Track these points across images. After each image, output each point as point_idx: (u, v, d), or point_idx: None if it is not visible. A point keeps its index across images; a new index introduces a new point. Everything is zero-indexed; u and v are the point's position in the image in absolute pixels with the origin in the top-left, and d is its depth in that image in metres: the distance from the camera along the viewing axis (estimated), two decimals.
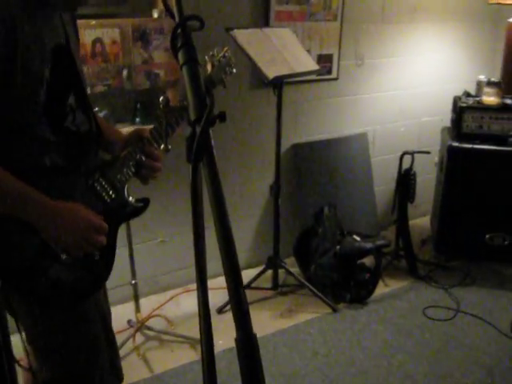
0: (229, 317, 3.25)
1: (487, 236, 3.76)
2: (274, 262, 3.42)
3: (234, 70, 1.92)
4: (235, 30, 2.91)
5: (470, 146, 3.65)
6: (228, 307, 3.29)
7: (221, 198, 0.81)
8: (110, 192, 1.54)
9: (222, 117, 0.85)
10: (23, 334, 1.49)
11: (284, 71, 2.97)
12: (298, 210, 3.80)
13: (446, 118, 4.20)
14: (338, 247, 3.44)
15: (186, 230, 3.46)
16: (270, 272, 3.49)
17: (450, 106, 4.06)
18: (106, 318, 1.71)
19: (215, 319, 3.24)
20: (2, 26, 1.26)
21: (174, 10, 0.97)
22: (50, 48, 1.38)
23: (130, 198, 1.62)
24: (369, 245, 3.47)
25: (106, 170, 1.54)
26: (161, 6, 2.90)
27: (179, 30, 0.94)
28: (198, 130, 0.83)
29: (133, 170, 1.57)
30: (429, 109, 4.28)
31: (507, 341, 3.08)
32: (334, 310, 3.30)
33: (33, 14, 1.33)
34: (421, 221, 4.44)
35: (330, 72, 3.71)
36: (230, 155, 3.50)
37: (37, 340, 1.52)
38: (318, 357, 2.94)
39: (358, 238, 3.56)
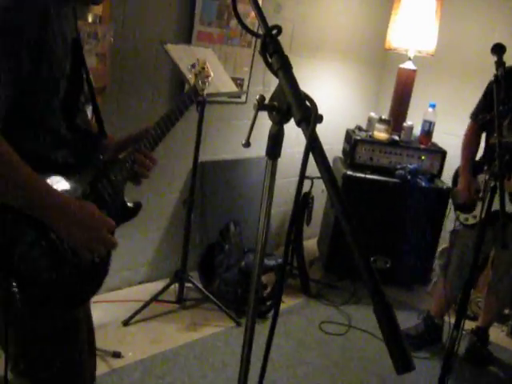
0: (136, 329, 3.24)
1: (371, 259, 4.11)
2: (180, 276, 3.45)
3: (210, 80, 2.00)
4: (168, 44, 2.98)
5: (362, 175, 3.99)
6: (134, 319, 3.27)
7: (338, 189, 0.90)
8: (111, 193, 1.54)
9: (321, 118, 0.96)
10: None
11: (211, 89, 3.07)
12: (202, 226, 3.88)
13: (335, 148, 4.55)
14: (243, 263, 3.56)
15: None
16: (173, 286, 3.51)
17: (339, 138, 4.41)
18: (91, 328, 1.67)
19: (121, 331, 3.20)
20: (38, 19, 1.25)
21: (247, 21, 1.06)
22: (69, 42, 1.38)
23: (127, 201, 1.63)
24: (272, 262, 3.64)
25: (108, 170, 1.54)
26: (95, 11, 2.88)
27: (268, 39, 1.02)
28: (306, 127, 0.92)
29: (131, 171, 1.58)
30: (322, 138, 4.58)
31: None
32: (238, 324, 3.41)
33: (60, 7, 1.33)
34: (307, 243, 4.71)
35: (239, 96, 3.87)
36: None
37: (20, 346, 1.46)
38: (228, 368, 3.02)
39: None
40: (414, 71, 4.25)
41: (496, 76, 2.34)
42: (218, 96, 3.20)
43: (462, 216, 3.25)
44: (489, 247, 3.24)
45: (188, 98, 1.79)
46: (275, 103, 1.02)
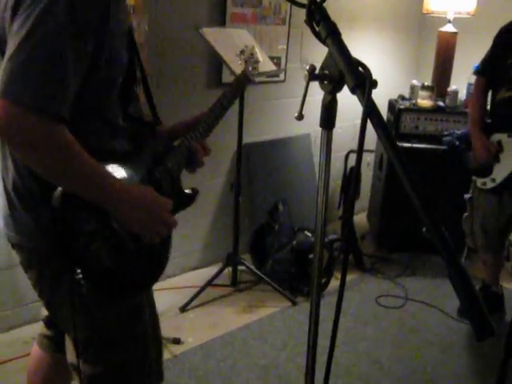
0: (193, 314, 3.28)
1: (424, 229, 4.03)
2: (233, 259, 3.46)
3: (259, 65, 1.98)
4: (203, 29, 2.96)
5: (409, 145, 3.91)
6: (191, 305, 3.30)
7: (399, 150, 0.87)
8: (168, 180, 1.54)
9: (376, 83, 0.92)
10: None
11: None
12: (250, 208, 3.87)
13: None
14: (294, 242, 3.55)
15: None
16: (226, 270, 3.53)
17: (383, 109, 4.32)
18: (155, 314, 1.69)
19: (179, 318, 3.24)
20: (101, 6, 1.26)
21: None
22: (126, 31, 1.38)
23: (184, 188, 1.64)
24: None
25: (164, 158, 1.55)
26: (128, 1, 2.88)
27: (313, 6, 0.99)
28: (362, 94, 0.89)
29: (186, 159, 1.58)
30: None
31: (455, 323, 3.32)
32: (294, 303, 3.41)
33: None
34: (356, 217, 4.65)
35: (278, 75, 3.83)
36: None
37: (88, 333, 1.49)
38: (288, 347, 3.02)
39: (309, 234, 3.68)
40: (455, 34, 4.12)
41: None
42: (257, 76, 3.17)
43: (480, 180, 3.14)
44: (509, 209, 3.13)
45: (238, 82, 1.78)
46: (326, 72, 0.98)
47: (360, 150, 0.92)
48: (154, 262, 1.50)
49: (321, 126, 1.05)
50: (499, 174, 3.04)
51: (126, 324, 1.52)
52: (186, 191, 1.67)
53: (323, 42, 0.98)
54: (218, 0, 3.39)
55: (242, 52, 1.85)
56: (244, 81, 1.79)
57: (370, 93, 0.89)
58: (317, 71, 0.99)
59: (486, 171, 3.11)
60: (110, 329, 1.50)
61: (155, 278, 1.52)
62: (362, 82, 0.90)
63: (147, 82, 1.59)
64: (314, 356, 1.22)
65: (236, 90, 1.74)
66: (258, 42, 3.55)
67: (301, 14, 3.96)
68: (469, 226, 3.35)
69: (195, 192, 1.67)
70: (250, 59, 1.88)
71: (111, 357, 1.52)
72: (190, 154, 1.59)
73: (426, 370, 2.91)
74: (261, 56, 3.20)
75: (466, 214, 3.37)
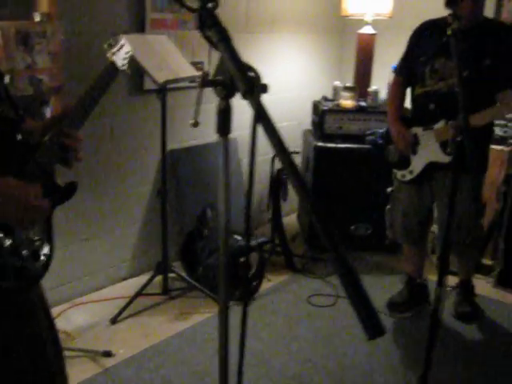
0: (124, 325, 3.23)
1: (352, 227, 4.13)
2: (163, 267, 3.43)
3: (129, 55, 1.96)
4: (121, 35, 2.91)
5: (333, 145, 3.98)
6: (121, 316, 3.24)
7: (289, 154, 0.88)
8: (40, 174, 1.51)
9: (265, 87, 0.93)
10: None
11: (170, 76, 3.03)
12: (179, 215, 3.85)
13: (303, 122, 4.53)
14: None
15: (66, 244, 3.35)
16: (157, 278, 3.49)
17: (307, 111, 4.40)
18: (44, 346, 1.62)
19: (110, 330, 3.18)
20: None
21: None
22: None
23: (59, 183, 1.61)
24: (252, 242, 3.63)
25: (34, 153, 1.52)
26: (42, 8, 2.82)
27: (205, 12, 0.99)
28: (252, 99, 0.90)
29: (58, 153, 1.55)
30: (288, 114, 4.58)
31: (384, 317, 3.40)
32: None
33: None
34: (287, 219, 4.69)
35: None
36: (109, 162, 3.45)
37: None
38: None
39: (238, 237, 3.69)
40: (374, 35, 4.23)
41: (453, 29, 2.32)
42: (178, 82, 3.15)
43: (399, 173, 3.26)
44: (428, 201, 3.26)
45: (106, 72, 1.77)
46: (219, 78, 0.99)
47: (252, 155, 0.92)
48: (32, 263, 1.49)
49: (217, 132, 1.05)
50: (416, 166, 3.16)
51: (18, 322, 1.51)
52: (62, 186, 1.62)
53: (215, 47, 0.98)
54: (137, 6, 3.36)
55: (110, 45, 1.85)
56: (113, 71, 1.79)
57: (259, 97, 0.89)
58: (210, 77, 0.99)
59: (404, 164, 3.21)
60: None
61: (33, 282, 1.51)
62: (252, 86, 0.90)
63: (2, 76, 1.57)
64: (227, 366, 1.21)
65: (104, 80, 1.74)
66: (179, 48, 3.54)
67: (222, 19, 3.94)
68: (390, 218, 3.45)
69: (73, 185, 1.63)
70: (119, 50, 1.88)
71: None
72: (61, 147, 1.55)
73: (358, 365, 2.96)
74: (177, 58, 3.20)
75: (388, 206, 3.47)
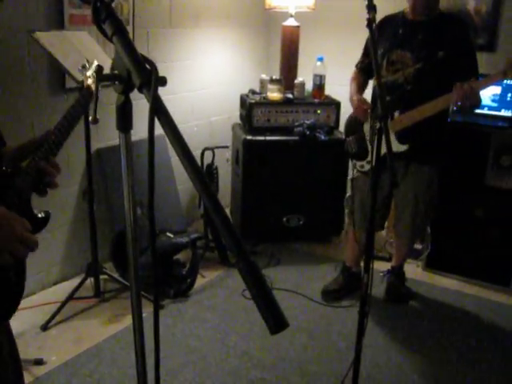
0: (56, 331, 3.14)
1: (284, 219, 4.15)
2: (94, 269, 3.35)
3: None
4: (37, 32, 2.82)
5: (262, 137, 3.99)
6: (53, 322, 3.15)
7: (186, 146, 0.86)
8: (18, 203, 1.44)
9: (164, 79, 0.91)
10: None
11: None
12: (109, 214, 3.77)
13: (232, 116, 4.52)
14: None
15: None
16: (88, 280, 3.41)
17: (235, 105, 4.39)
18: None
19: (41, 337, 3.08)
20: None
21: None
22: None
23: (35, 211, 1.54)
24: (184, 239, 3.60)
25: (12, 181, 1.45)
26: None
27: (99, 4, 0.96)
28: (148, 92, 0.88)
29: (36, 179, 1.49)
30: (217, 108, 4.56)
31: (320, 306, 3.45)
32: (161, 307, 3.36)
33: None
34: None
35: None
36: None
37: None
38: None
39: (171, 235, 3.65)
40: (298, 27, 4.26)
41: (368, 19, 2.35)
42: (100, 79, 3.08)
43: (358, 164, 3.32)
44: (386, 190, 3.33)
45: (83, 97, 1.71)
46: (115, 72, 0.96)
47: (151, 151, 0.90)
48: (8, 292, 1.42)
49: (117, 128, 1.02)
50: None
51: None
52: (39, 215, 1.57)
53: (110, 39, 0.95)
54: (54, 1, 3.25)
55: (84, 67, 1.76)
56: (89, 97, 1.72)
57: (155, 90, 0.87)
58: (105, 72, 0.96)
59: (362, 155, 3.25)
60: None
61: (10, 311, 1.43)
62: (149, 79, 0.88)
63: None
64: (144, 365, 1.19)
65: (81, 106, 1.68)
66: (100, 45, 3.45)
67: (145, 15, 3.90)
68: (350, 206, 3.50)
69: (47, 215, 1.59)
70: (94, 76, 1.78)
71: None
72: (39, 173, 1.50)
73: (294, 356, 2.99)
74: (98, 55, 3.11)
75: (348, 194, 3.52)
